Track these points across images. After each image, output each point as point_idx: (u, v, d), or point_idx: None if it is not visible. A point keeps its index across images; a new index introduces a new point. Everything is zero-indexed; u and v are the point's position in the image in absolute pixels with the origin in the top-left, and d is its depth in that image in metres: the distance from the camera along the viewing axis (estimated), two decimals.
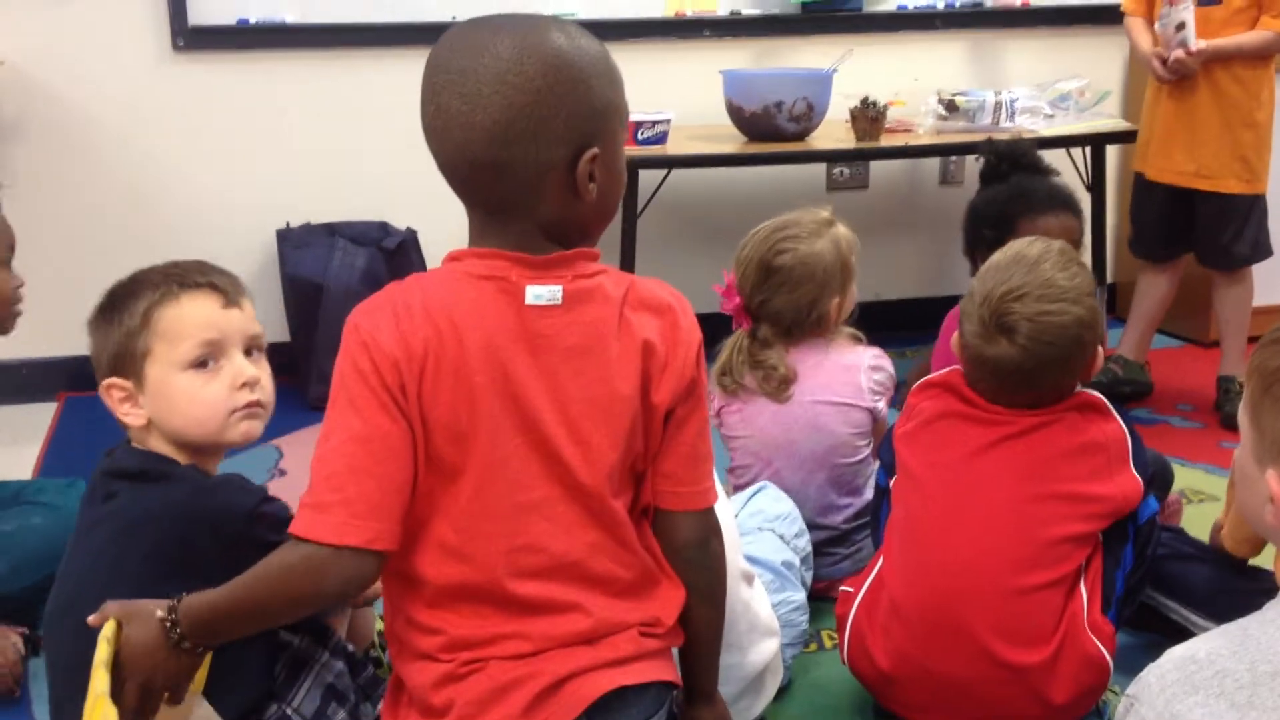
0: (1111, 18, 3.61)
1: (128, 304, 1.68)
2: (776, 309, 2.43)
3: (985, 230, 2.68)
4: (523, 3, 3.60)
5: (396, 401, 1.33)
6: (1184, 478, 2.84)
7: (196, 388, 1.66)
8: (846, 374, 2.44)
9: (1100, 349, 1.98)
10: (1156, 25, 3.28)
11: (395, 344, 1.33)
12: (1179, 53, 3.20)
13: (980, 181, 2.94)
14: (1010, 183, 2.81)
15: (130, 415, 1.68)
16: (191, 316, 1.66)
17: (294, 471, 2.97)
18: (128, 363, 1.67)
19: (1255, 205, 3.32)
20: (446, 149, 1.34)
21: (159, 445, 1.69)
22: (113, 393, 1.68)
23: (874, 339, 2.54)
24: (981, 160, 2.97)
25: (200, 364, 1.67)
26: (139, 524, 1.60)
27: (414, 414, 1.33)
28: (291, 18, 3.61)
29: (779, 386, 2.42)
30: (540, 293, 1.35)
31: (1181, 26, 3.19)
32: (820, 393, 2.42)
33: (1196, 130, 3.30)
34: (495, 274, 1.36)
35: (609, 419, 1.39)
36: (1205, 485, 2.92)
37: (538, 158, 1.31)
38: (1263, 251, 3.38)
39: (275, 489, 1.72)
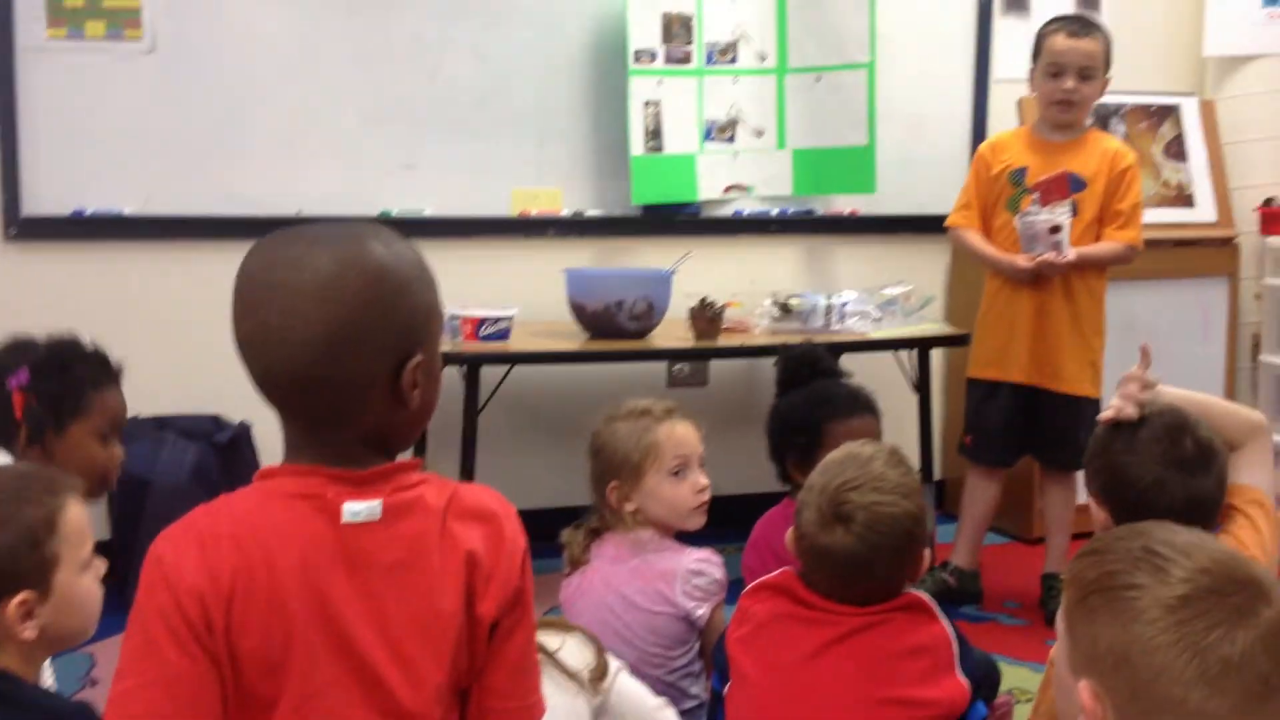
0: (934, 227, 3.78)
1: (5, 512, 1.59)
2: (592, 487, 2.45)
3: (796, 436, 2.73)
4: (371, 201, 3.70)
5: (199, 639, 1.25)
6: (1011, 676, 2.89)
7: (94, 585, 1.64)
8: (657, 577, 2.37)
9: (928, 551, 2.03)
10: (1018, 220, 3.36)
11: (200, 576, 1.26)
12: (1051, 255, 3.30)
13: (778, 387, 2.94)
14: (812, 388, 2.83)
15: (29, 629, 1.58)
16: (83, 514, 1.64)
17: (106, 681, 2.78)
18: (30, 574, 1.58)
19: (1098, 409, 3.45)
20: (264, 364, 1.29)
21: None
22: (18, 610, 1.57)
23: (710, 534, 2.52)
24: (779, 366, 2.96)
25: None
26: None
27: (220, 650, 1.26)
28: (130, 209, 3.58)
29: (570, 564, 2.43)
30: (358, 509, 1.30)
31: (1057, 230, 3.30)
32: (626, 592, 2.35)
33: (1050, 333, 3.41)
34: (310, 492, 1.30)
35: (433, 637, 1.33)
36: (1033, 684, 2.94)
37: (362, 370, 1.29)
38: None
39: (87, 699, 1.63)
